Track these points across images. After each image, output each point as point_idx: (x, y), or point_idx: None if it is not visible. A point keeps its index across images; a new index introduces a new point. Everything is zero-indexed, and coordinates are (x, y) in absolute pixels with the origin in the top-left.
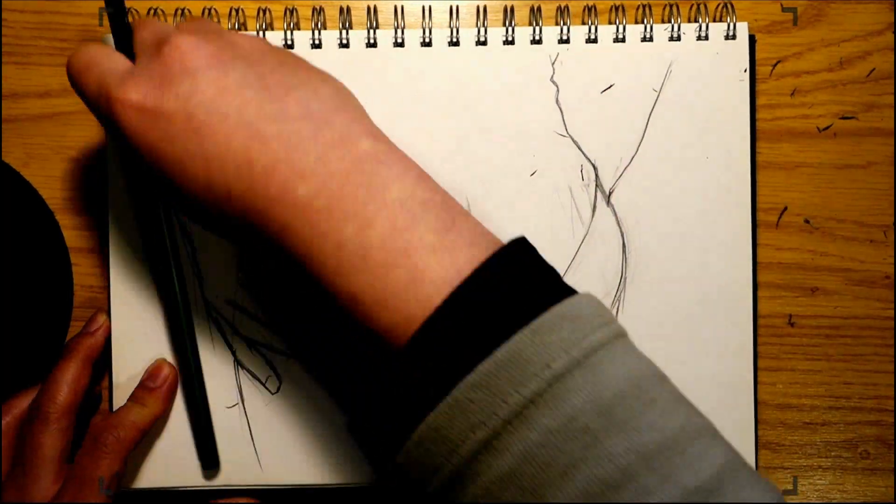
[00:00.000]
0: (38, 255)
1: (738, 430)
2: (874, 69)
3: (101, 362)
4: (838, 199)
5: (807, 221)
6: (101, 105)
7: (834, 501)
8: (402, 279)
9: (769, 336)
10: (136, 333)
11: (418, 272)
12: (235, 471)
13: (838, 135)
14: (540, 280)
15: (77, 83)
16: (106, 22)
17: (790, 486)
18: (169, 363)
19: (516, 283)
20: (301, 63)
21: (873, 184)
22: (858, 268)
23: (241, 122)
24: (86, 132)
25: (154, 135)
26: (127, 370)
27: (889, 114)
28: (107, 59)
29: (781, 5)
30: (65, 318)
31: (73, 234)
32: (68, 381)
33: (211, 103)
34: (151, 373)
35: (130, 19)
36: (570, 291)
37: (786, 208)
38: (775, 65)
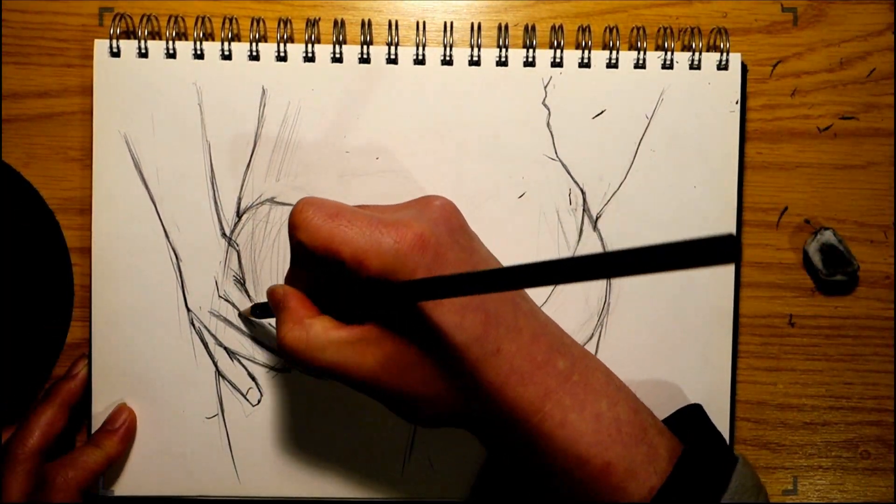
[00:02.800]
0: (38, 255)
1: None
2: (874, 69)
3: (79, 407)
4: (838, 199)
5: (807, 221)
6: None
7: (834, 501)
8: (645, 453)
9: (769, 336)
10: (117, 370)
11: (654, 448)
12: (212, 482)
13: (838, 135)
14: (721, 450)
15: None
16: (106, 22)
17: (790, 486)
18: (129, 407)
19: (710, 453)
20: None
21: (873, 184)
22: (859, 267)
23: (513, 293)
24: (86, 132)
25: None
26: (107, 408)
27: (889, 114)
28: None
29: (781, 5)
30: (65, 318)
31: (73, 234)
32: (41, 425)
33: (488, 259)
34: (111, 416)
35: None
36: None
37: (786, 208)
38: (775, 65)
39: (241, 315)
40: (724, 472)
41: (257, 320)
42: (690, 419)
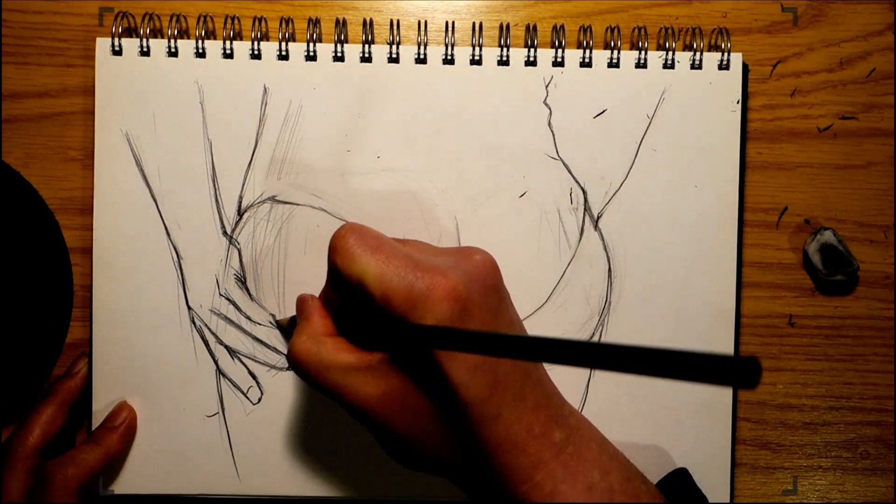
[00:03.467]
0: (38, 255)
1: (715, 450)
2: (874, 69)
3: (79, 404)
4: (838, 199)
5: (807, 221)
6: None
7: (834, 501)
8: None
9: (769, 336)
10: (118, 369)
11: None
12: (212, 480)
13: (838, 135)
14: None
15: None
16: (106, 21)
17: (790, 486)
18: (129, 405)
19: None
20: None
21: (873, 184)
22: (859, 268)
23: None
24: (86, 132)
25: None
26: (107, 406)
27: (889, 114)
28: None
29: (781, 5)
30: (65, 318)
31: (73, 234)
32: (41, 423)
33: (512, 323)
34: (111, 413)
35: None
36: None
37: (786, 208)
38: (775, 65)
39: (277, 323)
40: None
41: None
42: (677, 483)
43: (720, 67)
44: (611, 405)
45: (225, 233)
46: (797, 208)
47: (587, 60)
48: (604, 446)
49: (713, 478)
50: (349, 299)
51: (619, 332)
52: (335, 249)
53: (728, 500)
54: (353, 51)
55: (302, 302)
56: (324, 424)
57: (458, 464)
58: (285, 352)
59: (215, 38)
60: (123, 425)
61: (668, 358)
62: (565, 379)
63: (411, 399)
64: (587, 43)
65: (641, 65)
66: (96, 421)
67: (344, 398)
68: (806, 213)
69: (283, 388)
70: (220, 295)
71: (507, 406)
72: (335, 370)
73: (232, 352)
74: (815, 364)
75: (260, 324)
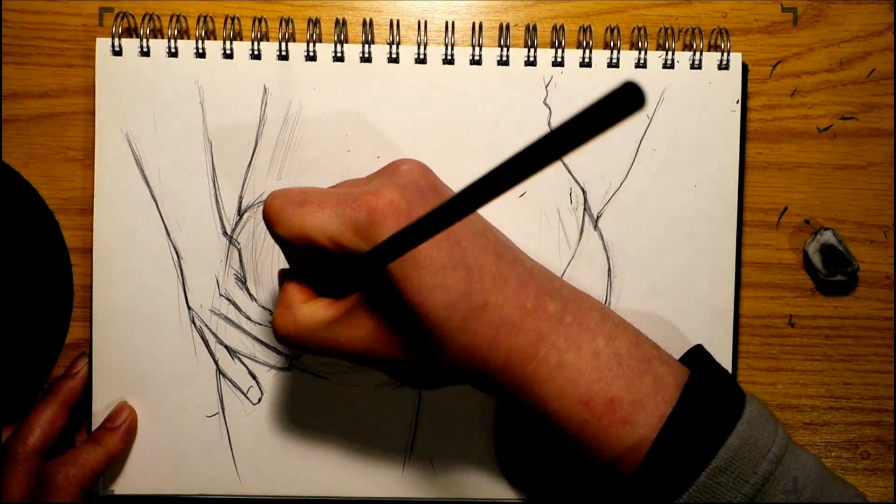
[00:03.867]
0: (38, 255)
1: None
2: (874, 69)
3: (79, 404)
4: (838, 199)
5: (807, 222)
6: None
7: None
8: (650, 383)
9: (769, 336)
10: (118, 369)
11: (659, 378)
12: (213, 480)
13: (838, 135)
14: (729, 380)
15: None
16: (106, 22)
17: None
18: (130, 405)
19: (719, 384)
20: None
21: (873, 184)
22: (859, 268)
23: (494, 242)
24: (86, 133)
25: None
26: (107, 406)
27: (889, 114)
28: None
29: (781, 5)
30: (65, 318)
31: (73, 234)
32: (42, 423)
33: (468, 224)
34: (112, 413)
35: None
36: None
37: (786, 208)
38: (775, 65)
39: None
40: (735, 399)
41: None
42: (695, 358)
43: (720, 67)
44: None
45: (225, 233)
46: (797, 208)
47: (587, 60)
48: (606, 314)
49: None
50: (309, 260)
51: None
52: (270, 221)
53: None
54: (352, 51)
55: (278, 279)
56: (324, 424)
57: (468, 370)
58: (285, 352)
59: (215, 39)
60: (124, 425)
61: (574, 124)
62: None
63: (401, 325)
64: (587, 43)
65: (641, 65)
66: (96, 421)
67: (340, 352)
68: (806, 213)
69: (283, 389)
70: (221, 295)
71: (490, 291)
72: (318, 330)
73: (232, 352)
74: (814, 364)
75: (260, 324)
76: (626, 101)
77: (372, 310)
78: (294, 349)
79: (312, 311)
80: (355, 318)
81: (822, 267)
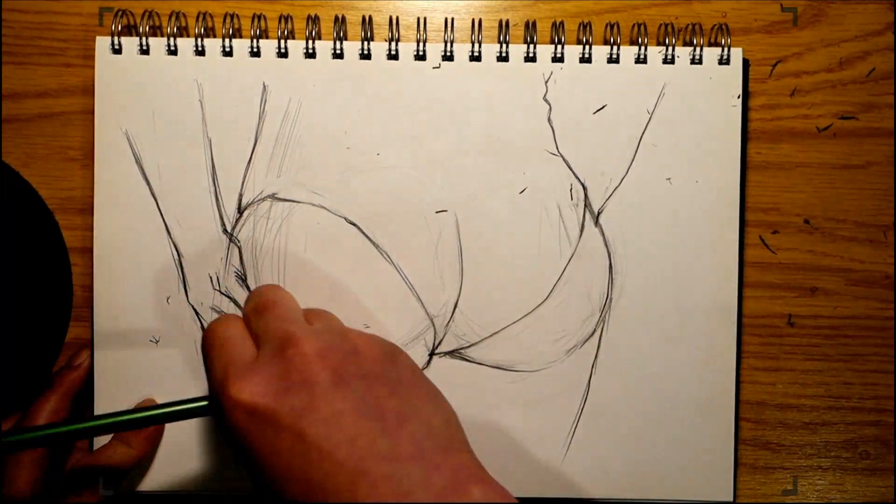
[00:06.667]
0: (38, 255)
1: (718, 449)
2: (874, 69)
3: (83, 397)
4: (838, 199)
5: (807, 221)
6: (218, 393)
7: (834, 501)
8: None
9: (769, 336)
10: (120, 365)
11: None
12: (215, 479)
13: (838, 135)
14: None
15: (206, 357)
16: (106, 21)
17: (790, 486)
18: (156, 403)
19: None
20: (416, 382)
21: (873, 184)
22: (858, 268)
23: (352, 456)
24: (86, 132)
25: (260, 442)
26: (109, 405)
27: (889, 114)
28: (239, 345)
29: (781, 5)
30: (65, 318)
31: (73, 234)
32: (46, 413)
33: (324, 426)
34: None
35: None
36: None
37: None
38: (775, 65)
39: None
40: None
41: None
42: None
43: (720, 62)
44: (612, 404)
45: (225, 231)
46: (797, 208)
47: (587, 56)
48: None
49: (716, 478)
50: None
51: (620, 330)
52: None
53: (731, 500)
54: (352, 48)
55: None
56: None
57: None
58: None
59: (214, 36)
60: (152, 427)
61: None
62: (566, 378)
63: None
64: (587, 39)
65: (641, 60)
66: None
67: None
68: (806, 213)
69: None
70: (221, 293)
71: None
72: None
73: None
74: (814, 364)
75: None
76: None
77: None
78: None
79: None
80: None
81: None
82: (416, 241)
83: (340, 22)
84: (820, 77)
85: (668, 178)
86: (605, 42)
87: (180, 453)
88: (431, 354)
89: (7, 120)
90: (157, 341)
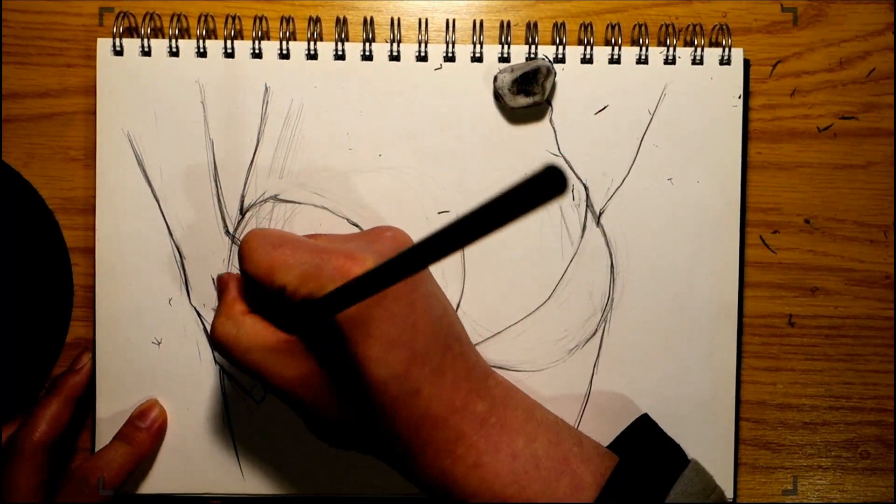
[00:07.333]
0: (38, 255)
1: (718, 448)
2: (874, 69)
3: (84, 400)
4: (838, 199)
5: (807, 221)
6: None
7: (834, 501)
8: (567, 484)
9: (769, 336)
10: (121, 366)
11: (577, 477)
12: (217, 480)
13: (838, 135)
14: (669, 452)
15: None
16: (106, 21)
17: (790, 486)
18: (160, 404)
19: (650, 466)
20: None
21: (873, 184)
22: (858, 268)
23: (446, 333)
24: (87, 132)
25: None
26: (111, 406)
27: (889, 114)
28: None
29: (781, 5)
30: (65, 318)
31: (73, 234)
32: (48, 418)
33: (429, 295)
34: (141, 412)
35: None
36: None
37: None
38: (775, 65)
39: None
40: (665, 480)
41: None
42: (643, 430)
43: (721, 62)
44: (613, 403)
45: (227, 232)
46: (797, 208)
47: (588, 57)
48: (531, 413)
49: (716, 477)
50: (268, 298)
51: (621, 330)
52: (242, 256)
53: (731, 500)
54: (353, 49)
55: (220, 281)
56: None
57: (382, 442)
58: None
59: (216, 38)
60: (155, 426)
61: (498, 203)
62: (568, 377)
63: (331, 380)
64: (588, 40)
65: (642, 61)
66: (101, 422)
67: (266, 379)
68: (806, 213)
69: None
70: None
71: (427, 381)
72: (255, 352)
73: None
74: (814, 364)
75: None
76: (547, 185)
77: (310, 355)
78: (225, 357)
79: (255, 330)
80: (292, 356)
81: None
82: None
83: (342, 23)
84: (820, 77)
85: (670, 179)
86: (606, 43)
87: (181, 455)
88: None
89: (7, 120)
90: (160, 343)
